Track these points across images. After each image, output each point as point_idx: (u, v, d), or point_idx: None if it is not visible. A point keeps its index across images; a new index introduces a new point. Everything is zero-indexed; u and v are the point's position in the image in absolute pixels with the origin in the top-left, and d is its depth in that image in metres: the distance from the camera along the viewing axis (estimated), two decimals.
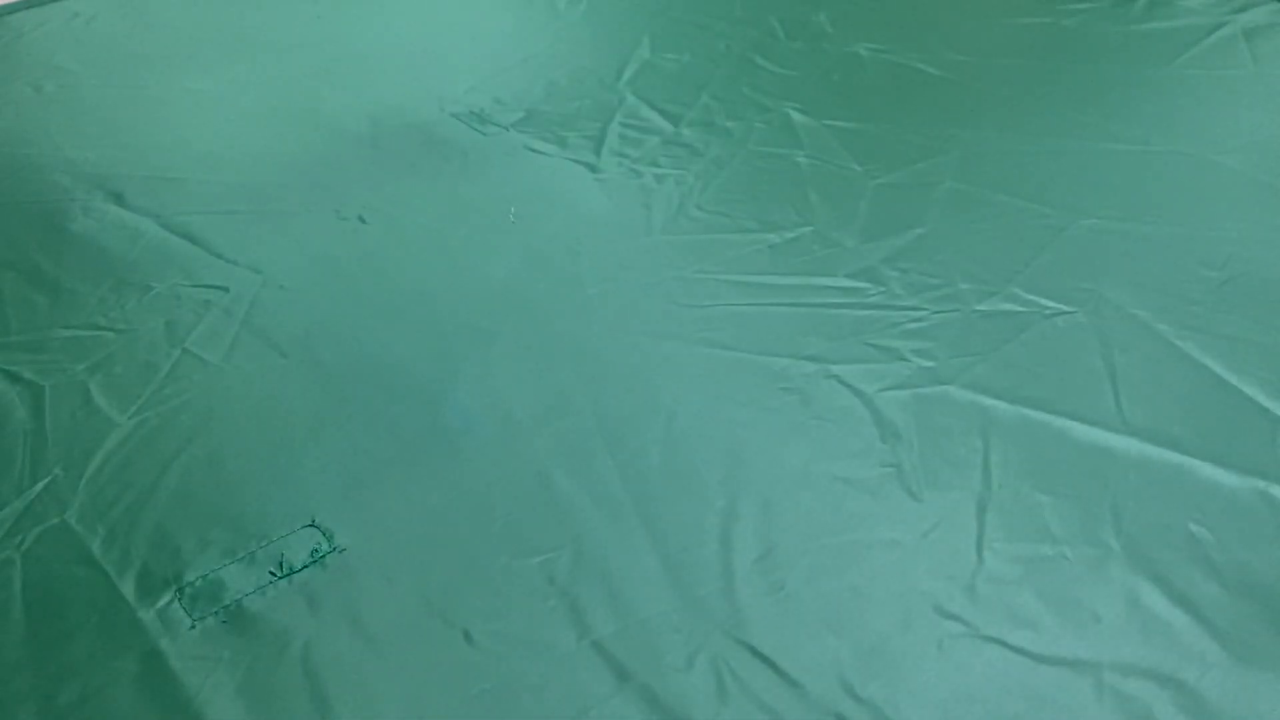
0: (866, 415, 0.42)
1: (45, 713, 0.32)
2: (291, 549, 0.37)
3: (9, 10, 0.82)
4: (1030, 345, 0.45)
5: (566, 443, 0.41)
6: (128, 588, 0.36)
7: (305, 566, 0.37)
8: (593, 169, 0.60)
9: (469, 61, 0.73)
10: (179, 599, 0.36)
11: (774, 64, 0.72)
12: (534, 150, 0.62)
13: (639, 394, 0.43)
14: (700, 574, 0.36)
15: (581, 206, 0.57)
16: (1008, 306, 0.48)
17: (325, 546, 0.37)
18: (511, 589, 0.36)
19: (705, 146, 0.62)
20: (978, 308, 0.48)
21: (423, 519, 0.38)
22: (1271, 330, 0.46)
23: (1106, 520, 0.37)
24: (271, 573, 0.36)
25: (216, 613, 0.35)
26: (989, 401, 0.42)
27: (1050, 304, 0.48)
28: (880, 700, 0.32)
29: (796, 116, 0.65)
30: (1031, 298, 0.48)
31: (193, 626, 0.35)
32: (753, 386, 0.44)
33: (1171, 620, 0.34)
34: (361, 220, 0.56)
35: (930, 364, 0.45)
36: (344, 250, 0.54)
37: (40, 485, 0.40)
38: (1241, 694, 0.32)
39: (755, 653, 0.33)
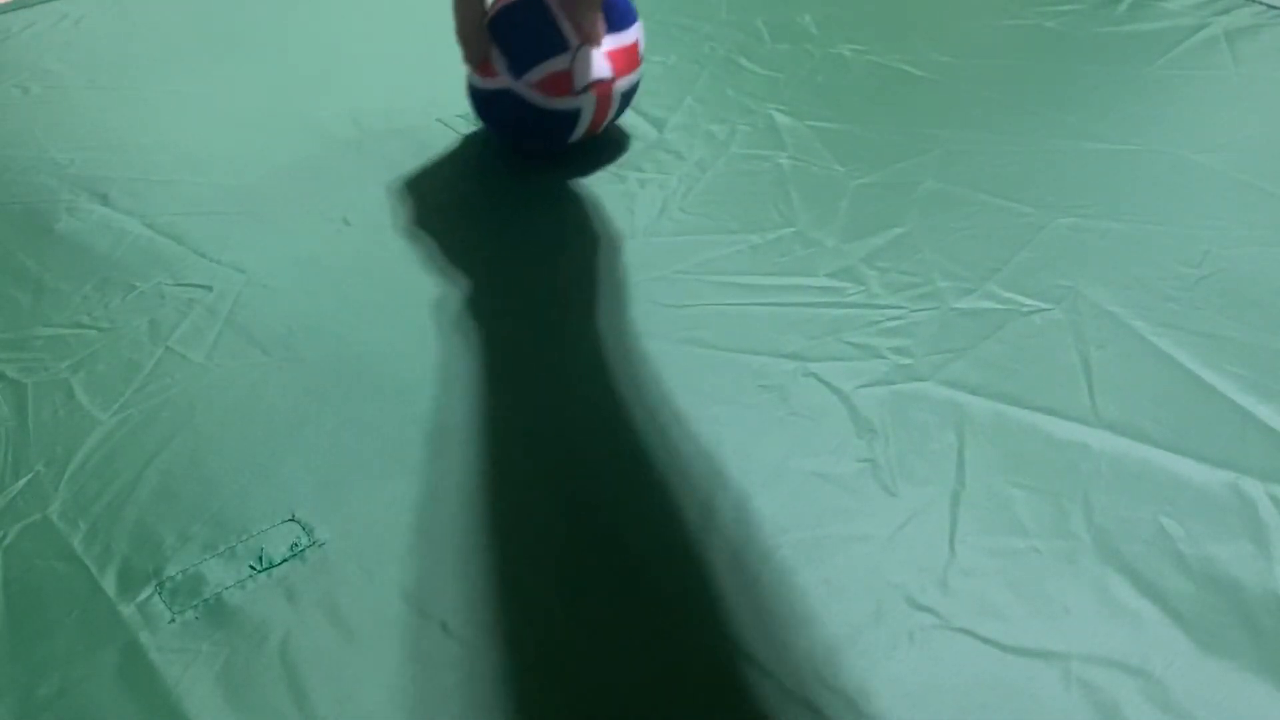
0: (843, 412, 0.43)
1: (25, 705, 0.32)
2: (271, 543, 0.38)
3: None
4: (1007, 342, 0.46)
5: (546, 439, 0.42)
6: (108, 582, 0.36)
7: (285, 560, 0.37)
8: (577, 172, 0.60)
9: (455, 66, 0.73)
10: (159, 593, 0.36)
11: (758, 66, 0.72)
12: (518, 155, 0.62)
13: (618, 391, 0.44)
14: (676, 568, 0.36)
15: (564, 210, 0.57)
16: (985, 304, 0.48)
17: (305, 541, 0.38)
18: (489, 582, 0.36)
19: (689, 149, 0.62)
20: (956, 305, 0.48)
21: (402, 513, 0.39)
22: (1245, 326, 0.46)
23: (1078, 513, 0.38)
24: (251, 567, 0.37)
25: (196, 606, 0.35)
26: (965, 397, 0.43)
27: (1028, 301, 0.48)
28: (852, 690, 0.32)
29: (780, 118, 0.65)
30: (1009, 295, 0.49)
31: (172, 620, 0.35)
32: (732, 384, 0.44)
33: (1140, 611, 0.34)
34: (346, 221, 0.56)
35: (907, 361, 0.45)
36: (328, 250, 0.54)
37: (22, 482, 0.40)
38: (1206, 683, 0.32)
39: (730, 644, 0.34)
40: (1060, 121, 0.64)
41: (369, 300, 0.50)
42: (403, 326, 0.48)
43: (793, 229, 0.54)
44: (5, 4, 0.84)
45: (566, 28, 0.54)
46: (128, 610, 0.35)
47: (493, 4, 0.56)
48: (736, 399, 0.43)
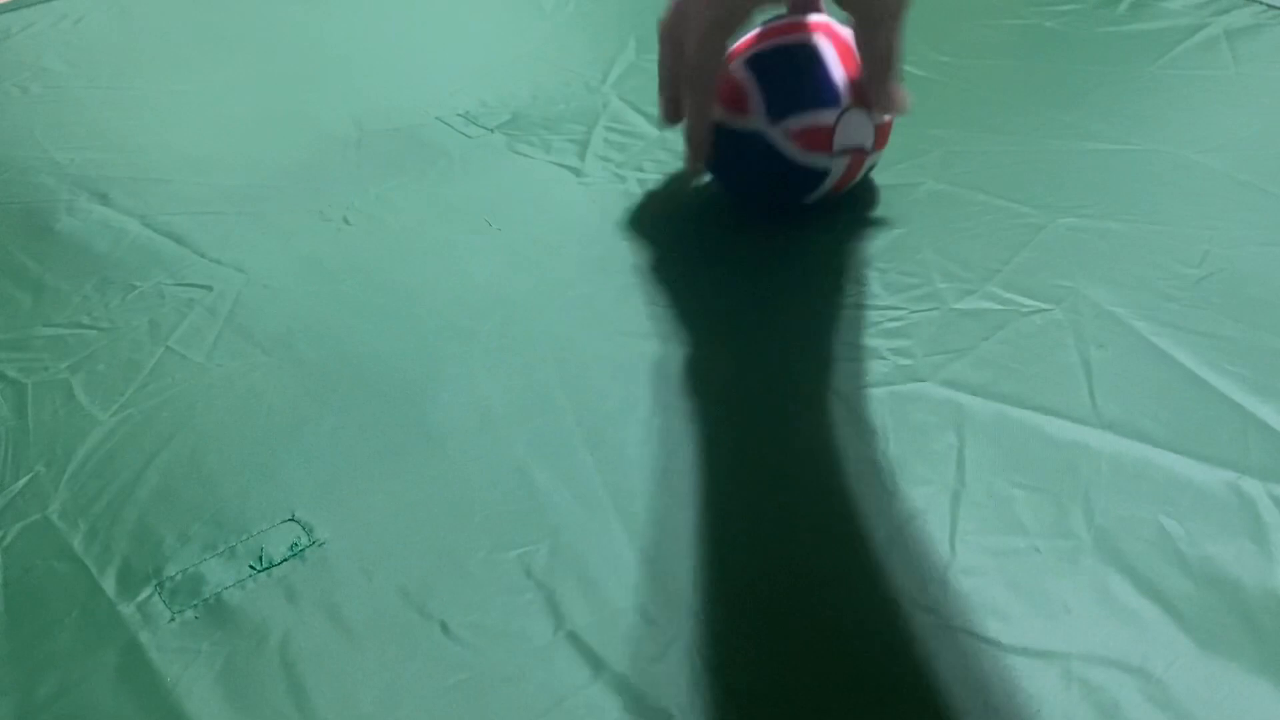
0: (844, 412, 0.43)
1: (25, 705, 0.32)
2: (271, 543, 0.38)
3: None
4: (1007, 342, 0.46)
5: (546, 439, 0.42)
6: (108, 582, 0.36)
7: (285, 560, 0.37)
8: (577, 173, 0.60)
9: (455, 64, 0.73)
10: (159, 593, 0.36)
11: None
12: (518, 153, 0.63)
13: (618, 391, 0.44)
14: (676, 567, 0.36)
15: (565, 210, 0.57)
16: (985, 305, 0.48)
17: (305, 540, 0.38)
18: (489, 582, 0.36)
19: None
20: (956, 306, 0.48)
21: (402, 513, 0.39)
22: (1246, 326, 0.46)
23: (1078, 513, 0.38)
24: (251, 566, 0.37)
25: (196, 606, 0.35)
26: (965, 398, 0.43)
27: (1028, 302, 0.48)
28: (852, 690, 0.32)
29: None
30: (1010, 296, 0.49)
31: (172, 619, 0.35)
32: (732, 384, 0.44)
33: (1140, 611, 0.34)
34: (346, 221, 0.56)
35: (908, 362, 0.45)
36: (327, 250, 0.54)
37: (22, 482, 0.40)
38: (1206, 683, 0.32)
39: (729, 643, 0.34)
40: (1060, 121, 0.64)
41: (369, 300, 0.50)
42: (403, 326, 0.48)
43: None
44: (5, 4, 0.84)
45: (841, 81, 0.49)
46: (128, 610, 0.35)
47: (754, 38, 0.51)
48: (736, 399, 0.43)
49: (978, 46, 0.74)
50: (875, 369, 0.45)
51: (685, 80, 0.50)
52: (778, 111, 0.49)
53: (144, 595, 0.36)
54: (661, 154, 0.62)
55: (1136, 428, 0.41)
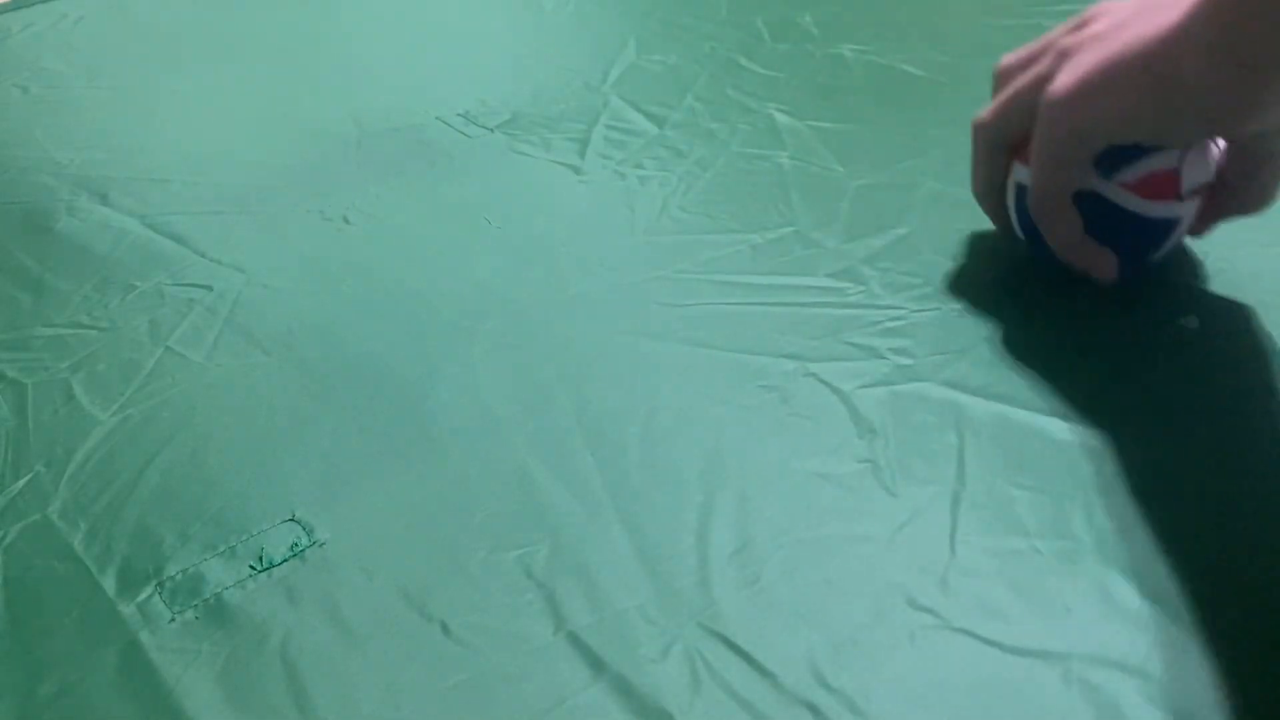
0: (844, 412, 0.43)
1: (25, 705, 0.32)
2: (272, 543, 0.38)
3: None
4: (1008, 343, 0.46)
5: (546, 439, 0.42)
6: (108, 582, 0.36)
7: (285, 560, 0.37)
8: (577, 171, 0.60)
9: (455, 64, 0.73)
10: (159, 593, 0.36)
11: (759, 65, 0.72)
12: (519, 152, 0.63)
13: (619, 391, 0.44)
14: (676, 567, 0.36)
15: (565, 208, 0.57)
16: (986, 305, 0.48)
17: (305, 541, 0.38)
18: (489, 582, 0.36)
19: (689, 148, 0.62)
20: (956, 306, 0.48)
21: (402, 514, 0.39)
22: None
23: (1079, 513, 0.38)
24: (251, 566, 0.37)
25: (196, 606, 0.35)
26: (965, 398, 0.43)
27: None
28: (852, 690, 0.32)
29: (780, 118, 0.65)
30: (1010, 296, 0.49)
31: (172, 619, 0.35)
32: (732, 384, 0.44)
33: (1140, 611, 0.34)
34: (346, 221, 0.56)
35: (908, 362, 0.45)
36: (328, 250, 0.54)
37: (22, 482, 0.40)
38: (1208, 683, 0.32)
39: (729, 644, 0.34)
40: None
41: (369, 300, 0.50)
42: (403, 326, 0.48)
43: (793, 229, 0.54)
44: (5, 4, 0.84)
45: None
46: (128, 610, 0.35)
47: None
48: (736, 399, 0.43)
49: (979, 47, 0.74)
50: (875, 368, 0.45)
51: (1034, 209, 0.46)
52: (1108, 165, 0.43)
53: (144, 595, 0.36)
54: (662, 151, 0.62)
55: (1137, 428, 0.41)
